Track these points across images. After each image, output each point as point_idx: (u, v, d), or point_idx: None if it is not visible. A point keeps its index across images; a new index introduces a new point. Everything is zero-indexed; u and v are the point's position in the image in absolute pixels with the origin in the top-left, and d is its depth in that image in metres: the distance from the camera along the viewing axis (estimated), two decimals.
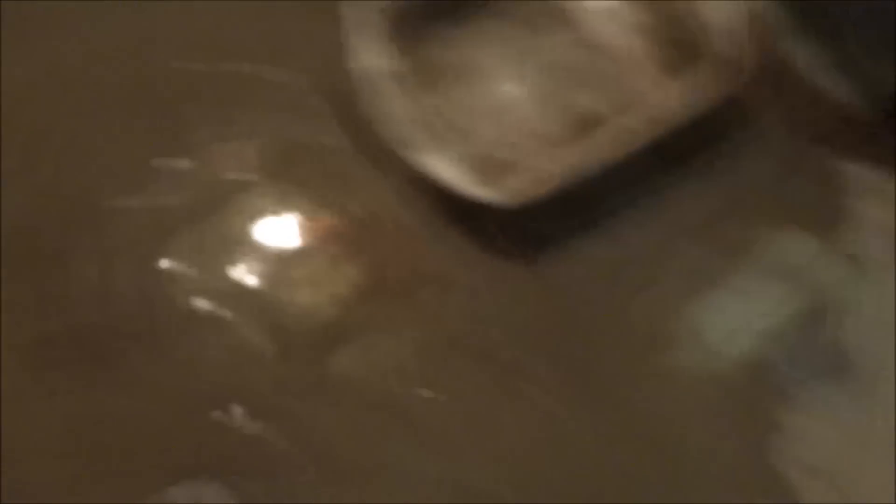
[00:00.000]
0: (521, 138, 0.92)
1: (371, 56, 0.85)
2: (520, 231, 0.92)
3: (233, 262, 0.92)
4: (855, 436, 0.86)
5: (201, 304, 0.90)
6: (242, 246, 0.93)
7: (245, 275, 0.92)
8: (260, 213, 0.95)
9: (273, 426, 0.84)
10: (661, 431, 0.87)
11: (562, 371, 0.89)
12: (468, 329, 0.91)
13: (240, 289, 0.91)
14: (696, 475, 0.85)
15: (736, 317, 0.91)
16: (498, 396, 0.88)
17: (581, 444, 0.86)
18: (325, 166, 0.98)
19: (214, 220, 0.94)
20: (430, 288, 0.93)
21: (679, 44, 0.90)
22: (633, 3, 0.94)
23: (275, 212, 0.95)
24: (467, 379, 0.89)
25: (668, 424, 0.87)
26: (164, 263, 0.91)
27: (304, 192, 0.97)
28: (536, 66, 0.95)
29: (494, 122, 0.93)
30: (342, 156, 0.97)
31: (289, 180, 0.97)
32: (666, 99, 0.86)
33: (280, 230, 0.94)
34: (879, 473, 0.84)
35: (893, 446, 0.84)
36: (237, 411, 0.84)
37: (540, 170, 0.84)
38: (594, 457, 0.86)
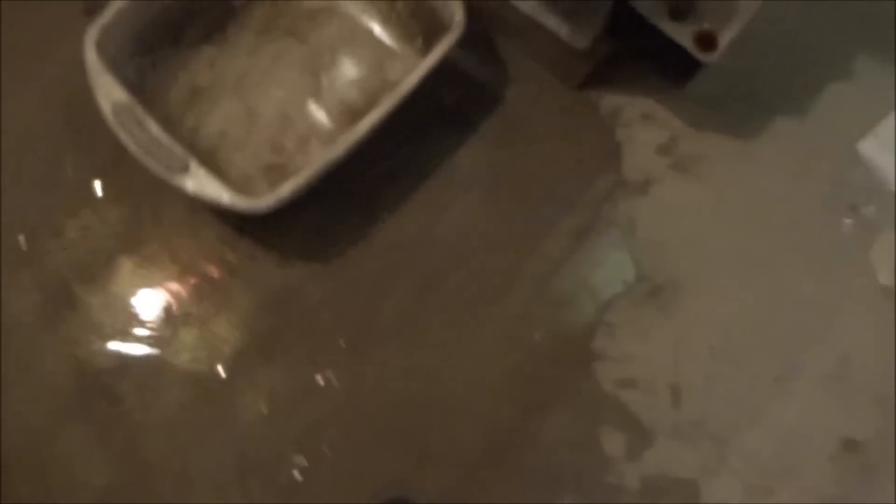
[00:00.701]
0: (294, 139, 0.93)
1: (116, 89, 0.83)
2: (338, 220, 0.94)
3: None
4: (665, 347, 0.92)
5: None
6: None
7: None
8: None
9: None
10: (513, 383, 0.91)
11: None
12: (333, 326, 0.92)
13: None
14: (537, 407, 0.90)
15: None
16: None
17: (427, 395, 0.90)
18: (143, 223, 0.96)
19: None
20: (282, 310, 0.93)
21: (421, 20, 0.94)
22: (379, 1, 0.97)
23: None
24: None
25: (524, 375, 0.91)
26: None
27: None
28: (300, 69, 0.96)
29: (264, 128, 0.94)
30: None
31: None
32: (418, 70, 0.87)
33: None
34: (690, 375, 0.91)
35: (704, 350, 0.91)
36: None
37: (313, 163, 0.84)
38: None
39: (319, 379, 0.90)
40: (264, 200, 0.81)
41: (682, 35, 0.81)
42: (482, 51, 1.00)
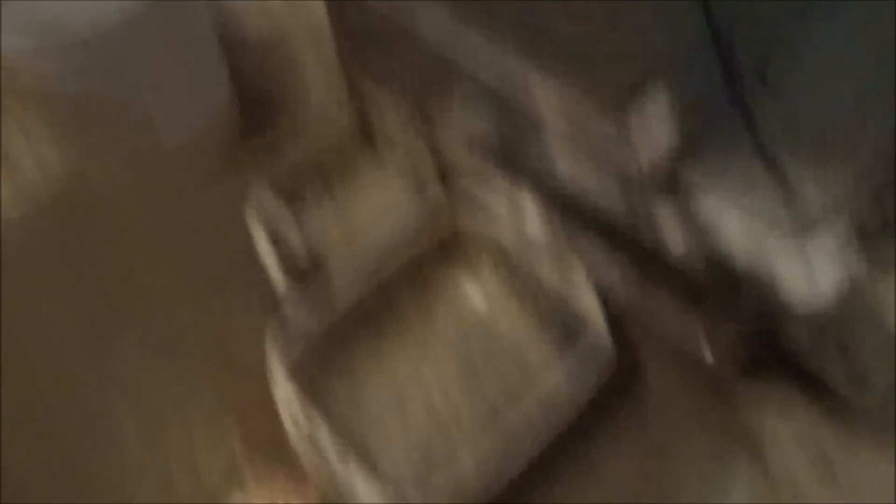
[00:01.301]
0: (439, 437, 0.97)
1: (289, 388, 0.93)
2: None
3: None
4: None
5: None
6: None
7: None
8: None
9: None
10: None
11: None
12: None
13: None
14: None
15: None
16: None
17: None
18: None
19: None
20: None
21: (560, 326, 1.01)
22: (519, 295, 1.05)
23: None
24: None
25: None
26: None
27: None
28: (447, 359, 1.03)
29: (413, 418, 0.99)
30: None
31: None
32: (557, 377, 0.94)
33: None
34: None
35: None
36: None
37: (464, 469, 0.89)
38: None
39: None
40: None
41: (834, 370, 0.83)
42: (616, 338, 1.01)
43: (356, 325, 1.04)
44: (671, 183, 0.77)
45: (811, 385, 0.95)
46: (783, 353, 0.86)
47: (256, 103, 1.32)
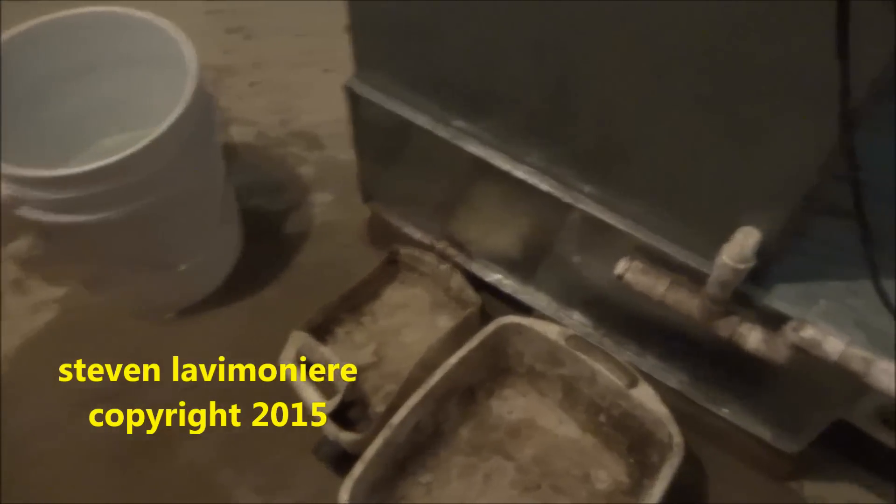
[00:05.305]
0: None
1: None
2: None
3: None
4: None
5: None
6: None
7: None
8: None
9: None
10: None
11: None
12: None
13: None
14: None
15: None
16: None
17: None
18: None
19: None
20: None
21: (626, 431, 0.99)
22: (579, 413, 1.03)
23: None
24: None
25: None
26: None
27: None
28: (512, 485, 0.99)
29: None
30: None
31: None
32: (623, 483, 0.93)
33: None
34: None
35: None
36: None
37: None
38: None
39: None
40: None
41: None
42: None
43: (416, 458, 1.00)
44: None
45: (881, 469, 0.96)
46: (852, 432, 0.86)
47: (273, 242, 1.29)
